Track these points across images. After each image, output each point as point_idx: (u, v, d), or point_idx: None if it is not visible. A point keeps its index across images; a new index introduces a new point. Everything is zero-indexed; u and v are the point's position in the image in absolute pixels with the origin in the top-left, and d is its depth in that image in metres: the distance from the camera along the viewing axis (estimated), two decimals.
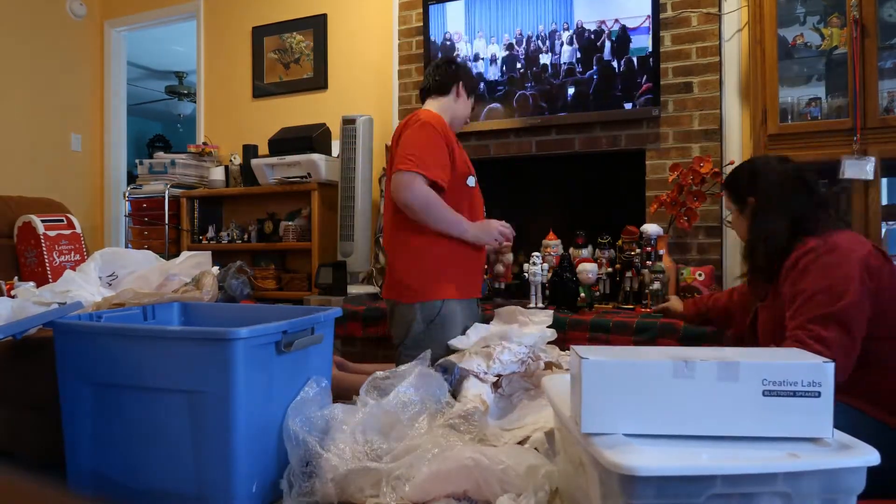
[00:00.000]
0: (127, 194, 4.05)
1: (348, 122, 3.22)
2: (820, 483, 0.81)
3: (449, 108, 2.07)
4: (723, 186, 1.70)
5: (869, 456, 0.82)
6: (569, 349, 1.88)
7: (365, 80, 3.67)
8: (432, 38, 3.23)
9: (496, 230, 2.03)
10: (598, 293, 2.71)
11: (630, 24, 2.82)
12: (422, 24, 3.28)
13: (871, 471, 0.82)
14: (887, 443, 1.09)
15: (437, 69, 2.11)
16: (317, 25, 3.80)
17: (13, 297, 1.89)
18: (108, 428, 1.21)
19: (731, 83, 2.76)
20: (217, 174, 3.90)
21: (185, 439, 1.15)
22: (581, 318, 2.35)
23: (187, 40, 4.64)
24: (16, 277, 2.47)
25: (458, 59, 2.20)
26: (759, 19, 2.45)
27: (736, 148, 2.74)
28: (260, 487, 1.20)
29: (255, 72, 4.03)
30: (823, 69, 2.47)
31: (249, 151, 3.72)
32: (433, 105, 2.08)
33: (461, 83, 2.08)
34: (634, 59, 2.81)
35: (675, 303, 2.10)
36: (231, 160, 3.90)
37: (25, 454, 1.65)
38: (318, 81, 3.81)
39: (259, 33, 4.00)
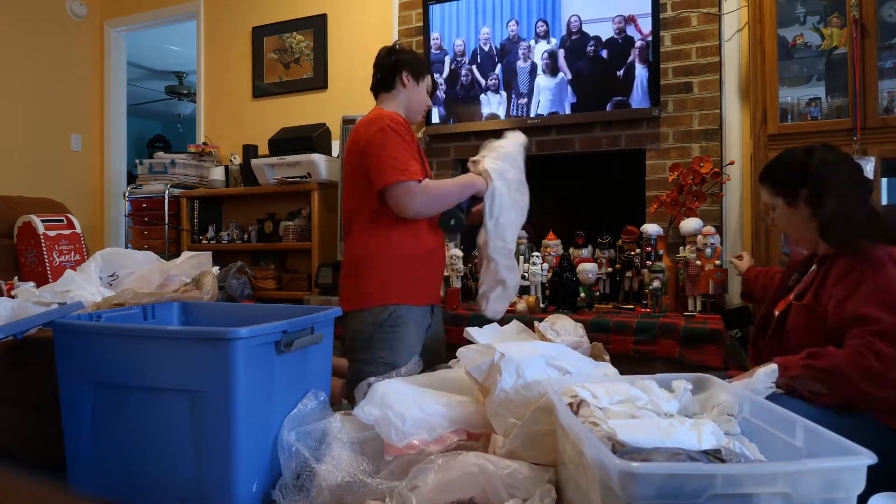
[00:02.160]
0: (127, 194, 4.06)
1: (348, 122, 3.22)
2: (820, 483, 0.81)
3: (401, 101, 1.96)
4: (764, 178, 1.57)
5: (868, 456, 0.82)
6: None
7: (365, 80, 3.62)
8: (432, 37, 3.23)
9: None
10: (598, 293, 2.71)
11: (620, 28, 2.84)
12: (422, 24, 3.28)
13: (871, 469, 0.82)
14: (887, 442, 1.09)
15: (377, 64, 1.99)
16: (317, 25, 3.80)
17: (13, 297, 1.90)
18: (108, 428, 1.21)
19: (731, 83, 2.77)
20: (217, 174, 3.90)
21: (186, 439, 1.15)
22: (581, 318, 2.35)
23: (187, 40, 4.64)
24: (16, 277, 2.47)
25: (397, 47, 2.01)
26: (759, 19, 2.45)
27: (736, 148, 2.74)
28: (260, 487, 1.20)
29: (255, 72, 4.03)
30: (823, 69, 2.47)
31: (249, 151, 3.72)
32: (385, 102, 1.97)
33: (404, 72, 1.94)
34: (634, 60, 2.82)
35: (744, 263, 2.14)
36: (231, 160, 3.90)
37: (25, 454, 1.65)
38: (318, 81, 3.81)
39: (259, 33, 4.00)
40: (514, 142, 2.00)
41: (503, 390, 1.24)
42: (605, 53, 2.86)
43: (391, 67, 1.95)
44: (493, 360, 1.29)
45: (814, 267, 1.50)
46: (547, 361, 1.31)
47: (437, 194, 1.82)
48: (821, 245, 1.49)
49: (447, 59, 3.20)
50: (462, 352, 1.39)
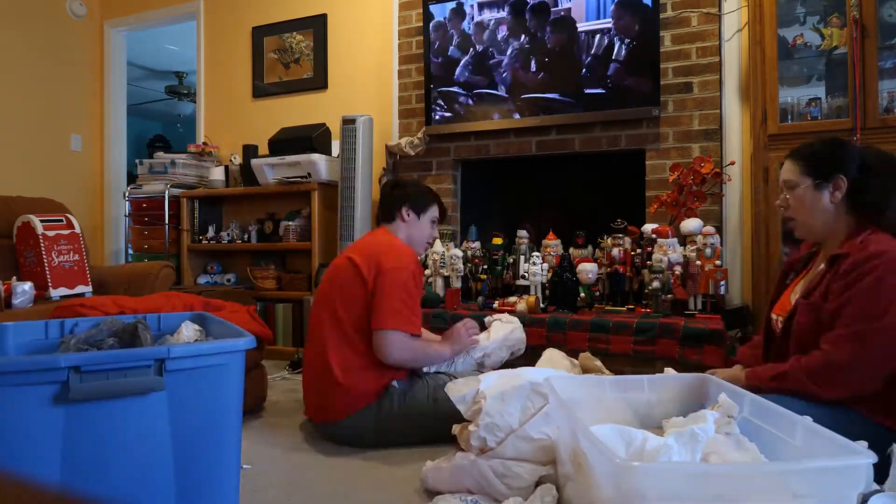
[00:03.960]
0: (127, 194, 4.05)
1: (348, 122, 3.22)
2: (820, 483, 0.81)
3: (400, 233, 2.02)
4: (798, 155, 1.50)
5: (868, 456, 0.82)
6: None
7: (365, 80, 3.67)
8: (432, 37, 3.23)
9: (464, 334, 2.03)
10: (597, 293, 2.71)
11: None
12: (422, 24, 3.28)
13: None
14: (886, 445, 1.09)
15: (381, 195, 2.10)
16: (317, 25, 3.80)
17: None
18: None
19: (731, 83, 2.76)
20: (217, 174, 3.90)
21: None
22: (581, 318, 2.35)
23: (187, 40, 4.64)
24: (14, 277, 2.48)
25: (405, 181, 2.13)
26: (759, 19, 2.45)
27: (736, 148, 2.74)
28: None
29: (255, 72, 4.03)
30: (823, 69, 2.47)
31: (249, 151, 3.72)
32: (391, 233, 2.01)
33: (405, 207, 2.02)
34: None
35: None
36: (231, 160, 3.90)
37: None
38: (318, 81, 3.81)
39: (259, 33, 4.00)
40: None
41: (480, 437, 1.26)
42: (605, 54, 2.86)
43: (392, 201, 2.03)
44: (478, 389, 1.32)
45: (822, 266, 1.47)
46: (533, 388, 1.31)
47: (420, 358, 1.92)
48: (829, 241, 1.47)
49: (447, 60, 3.20)
50: (449, 386, 1.44)
